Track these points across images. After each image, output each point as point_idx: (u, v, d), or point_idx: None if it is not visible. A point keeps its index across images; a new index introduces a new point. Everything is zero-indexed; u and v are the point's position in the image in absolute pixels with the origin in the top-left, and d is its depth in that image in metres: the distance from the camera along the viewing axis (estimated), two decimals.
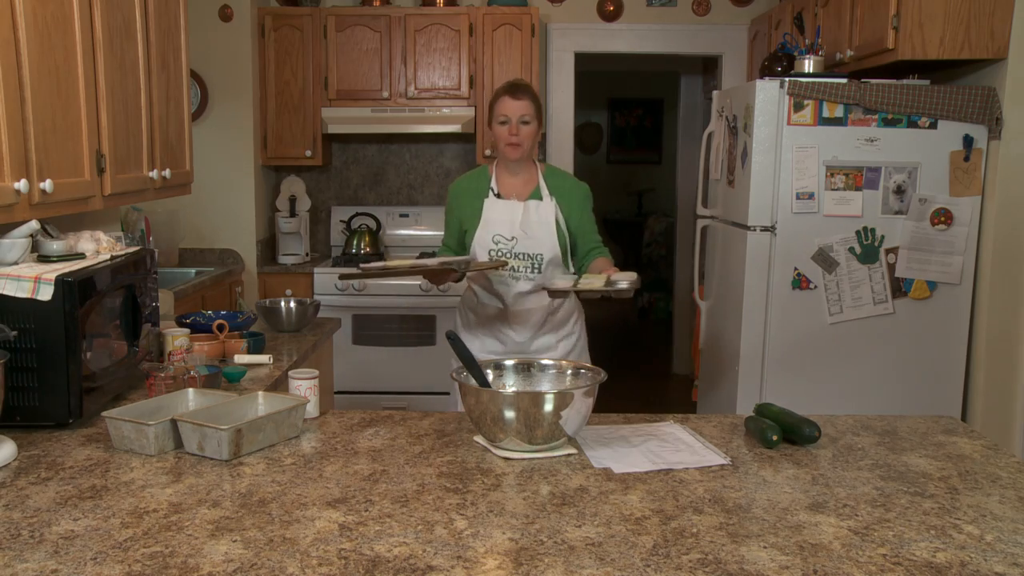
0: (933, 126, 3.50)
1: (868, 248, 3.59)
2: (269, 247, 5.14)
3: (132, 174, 2.76)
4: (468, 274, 2.75)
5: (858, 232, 3.58)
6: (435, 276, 2.69)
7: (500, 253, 2.76)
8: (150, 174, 2.89)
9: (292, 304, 3.11)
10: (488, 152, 4.91)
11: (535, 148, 2.83)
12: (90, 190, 2.46)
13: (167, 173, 3.02)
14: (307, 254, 5.07)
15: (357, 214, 5.22)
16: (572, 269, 2.84)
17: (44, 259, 2.11)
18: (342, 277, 2.61)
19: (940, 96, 3.45)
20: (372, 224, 5.18)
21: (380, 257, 5.03)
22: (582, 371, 2.05)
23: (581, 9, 5.24)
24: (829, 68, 3.90)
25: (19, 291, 1.93)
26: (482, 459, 1.85)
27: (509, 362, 2.11)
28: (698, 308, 4.50)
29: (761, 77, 3.68)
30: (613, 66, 7.66)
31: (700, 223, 4.44)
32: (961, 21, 3.34)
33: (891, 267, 3.59)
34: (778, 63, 3.81)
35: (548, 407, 1.82)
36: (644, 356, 7.02)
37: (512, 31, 4.89)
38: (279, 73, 4.91)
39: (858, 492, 1.69)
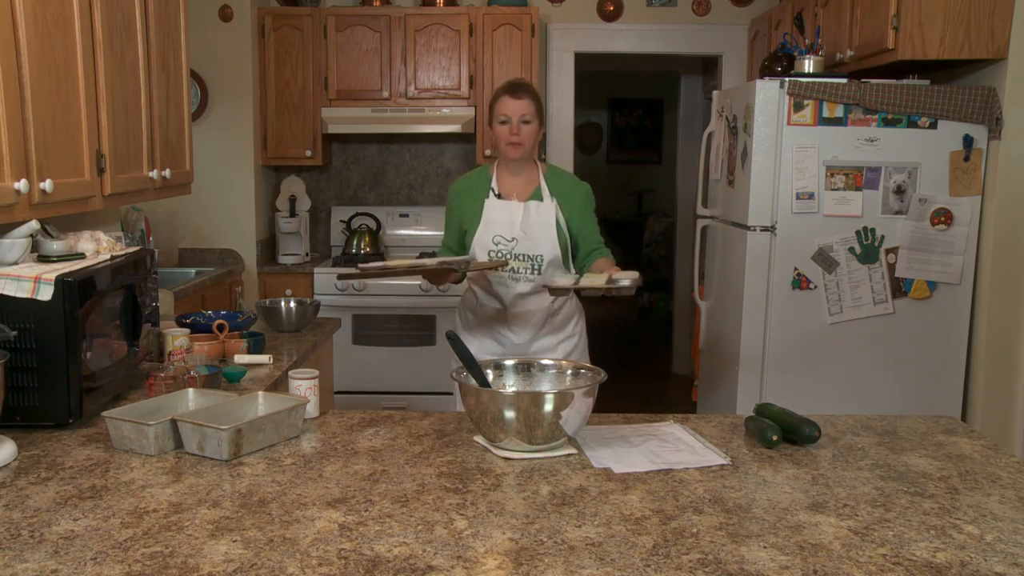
0: (933, 126, 3.50)
1: (868, 248, 3.59)
2: (269, 247, 5.14)
3: (132, 174, 2.76)
4: (468, 274, 2.74)
5: (858, 232, 3.58)
6: (434, 276, 2.68)
7: (500, 254, 2.74)
8: (150, 174, 2.89)
9: (292, 304, 3.11)
10: (488, 152, 4.91)
11: (536, 148, 2.82)
12: (90, 190, 2.46)
13: (167, 173, 3.02)
14: (307, 254, 5.07)
15: (357, 214, 5.22)
16: (572, 270, 2.81)
17: (44, 259, 2.11)
18: (340, 277, 2.60)
19: (940, 96, 3.45)
20: (372, 224, 5.18)
21: (380, 257, 5.03)
22: (582, 371, 2.05)
23: (581, 9, 5.24)
24: (829, 68, 3.90)
25: (19, 291, 1.93)
26: (482, 459, 1.85)
27: (509, 362, 2.11)
28: (698, 308, 4.50)
29: (761, 77, 3.68)
30: (613, 66, 7.66)
31: (700, 223, 4.44)
32: (961, 21, 3.34)
33: (891, 267, 3.59)
34: (778, 63, 3.81)
35: (548, 407, 1.82)
36: (644, 356, 7.02)
37: (512, 31, 4.89)
38: (279, 73, 4.91)
39: (858, 492, 1.69)
